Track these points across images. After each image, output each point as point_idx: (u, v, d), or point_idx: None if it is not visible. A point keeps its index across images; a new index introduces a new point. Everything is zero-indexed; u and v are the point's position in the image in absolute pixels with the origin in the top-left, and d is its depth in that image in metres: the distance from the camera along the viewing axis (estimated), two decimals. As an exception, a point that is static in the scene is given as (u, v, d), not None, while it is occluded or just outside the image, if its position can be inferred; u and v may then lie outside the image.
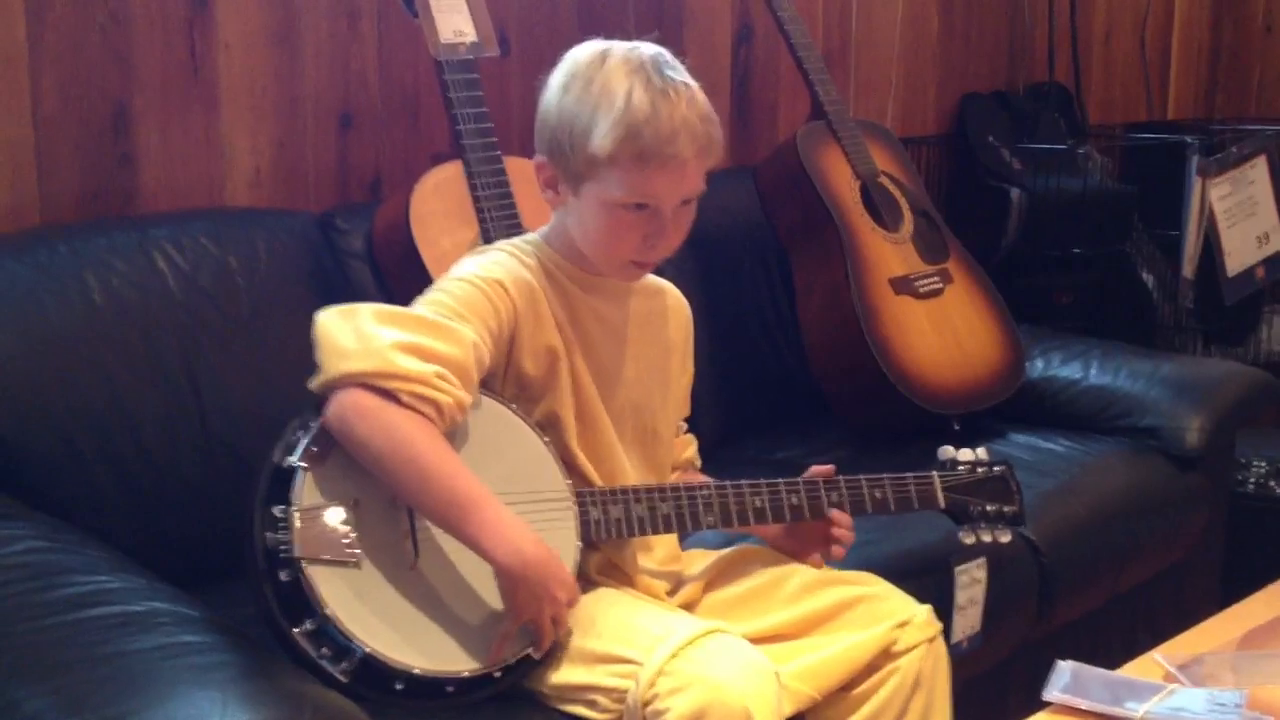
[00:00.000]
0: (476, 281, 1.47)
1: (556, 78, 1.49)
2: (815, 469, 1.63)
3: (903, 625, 1.53)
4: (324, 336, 1.38)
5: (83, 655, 1.25)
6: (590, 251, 1.52)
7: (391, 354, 1.36)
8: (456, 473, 1.36)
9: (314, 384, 1.38)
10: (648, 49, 1.49)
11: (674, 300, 1.68)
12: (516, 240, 1.57)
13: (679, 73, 1.48)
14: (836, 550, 1.62)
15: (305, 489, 1.36)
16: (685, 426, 1.73)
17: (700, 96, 1.48)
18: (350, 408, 1.35)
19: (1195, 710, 1.43)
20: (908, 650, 1.53)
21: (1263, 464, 2.70)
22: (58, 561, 1.43)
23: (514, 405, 1.49)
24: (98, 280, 1.74)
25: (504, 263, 1.51)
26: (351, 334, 1.37)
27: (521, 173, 1.99)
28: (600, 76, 1.45)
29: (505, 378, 1.50)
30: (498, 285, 1.47)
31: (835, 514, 1.60)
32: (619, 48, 1.48)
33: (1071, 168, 2.93)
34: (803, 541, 1.64)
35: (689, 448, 1.73)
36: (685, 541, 1.70)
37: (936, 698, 1.54)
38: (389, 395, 1.35)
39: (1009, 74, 3.21)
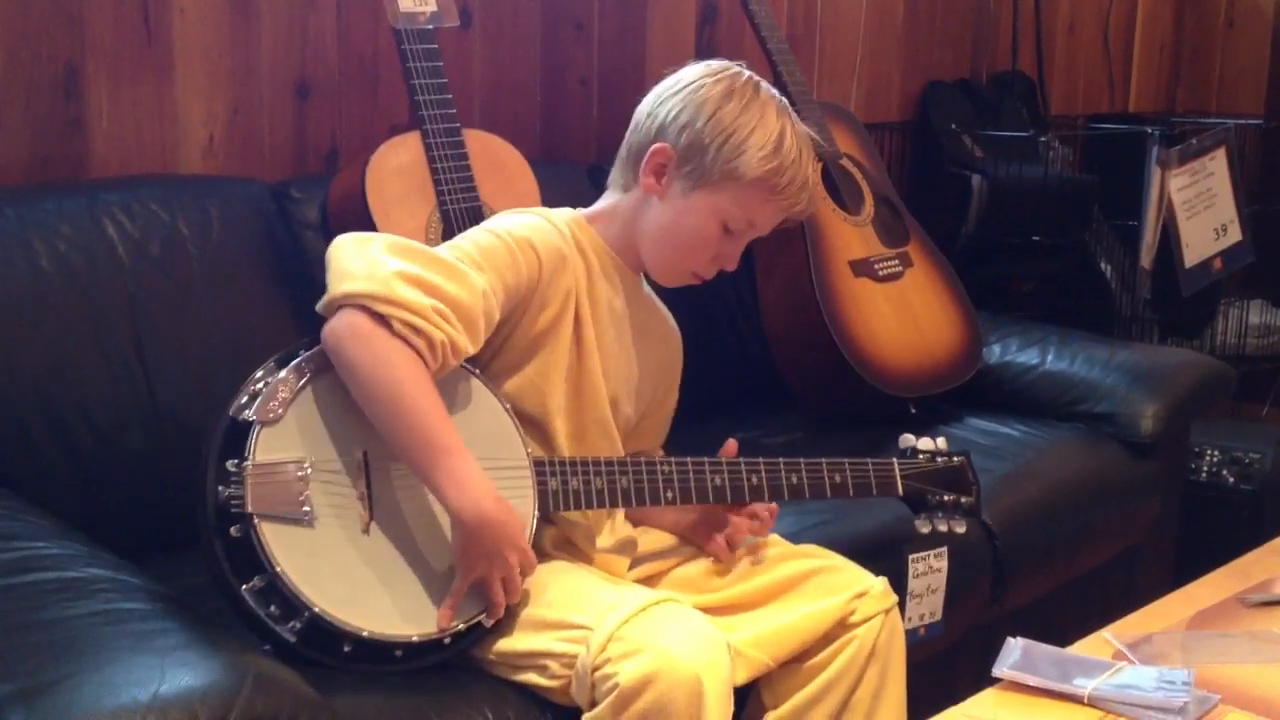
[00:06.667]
0: (505, 236, 1.47)
1: (706, 79, 1.52)
2: (728, 446, 1.61)
3: (860, 596, 1.53)
4: (334, 259, 1.39)
5: (16, 621, 1.22)
6: (659, 251, 1.54)
7: (393, 281, 1.35)
8: (435, 415, 1.35)
9: (319, 304, 1.39)
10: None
11: (672, 327, 1.70)
12: (554, 211, 1.57)
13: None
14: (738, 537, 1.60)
15: (260, 444, 1.34)
16: (662, 454, 1.71)
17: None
18: (346, 327, 1.35)
19: (1144, 688, 1.43)
20: (864, 621, 1.52)
21: (1216, 453, 2.71)
22: (-5, 527, 1.40)
23: (478, 371, 1.48)
24: (44, 245, 1.70)
25: (539, 226, 1.51)
26: (360, 259, 1.38)
27: (480, 146, 1.97)
28: (758, 104, 1.51)
29: (512, 337, 1.49)
30: (526, 244, 1.48)
31: (757, 507, 1.60)
32: (759, 81, 1.54)
33: (1033, 156, 2.94)
34: (712, 528, 1.62)
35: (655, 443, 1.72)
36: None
37: (891, 669, 1.54)
38: (383, 321, 1.35)
39: (973, 62, 3.22)
